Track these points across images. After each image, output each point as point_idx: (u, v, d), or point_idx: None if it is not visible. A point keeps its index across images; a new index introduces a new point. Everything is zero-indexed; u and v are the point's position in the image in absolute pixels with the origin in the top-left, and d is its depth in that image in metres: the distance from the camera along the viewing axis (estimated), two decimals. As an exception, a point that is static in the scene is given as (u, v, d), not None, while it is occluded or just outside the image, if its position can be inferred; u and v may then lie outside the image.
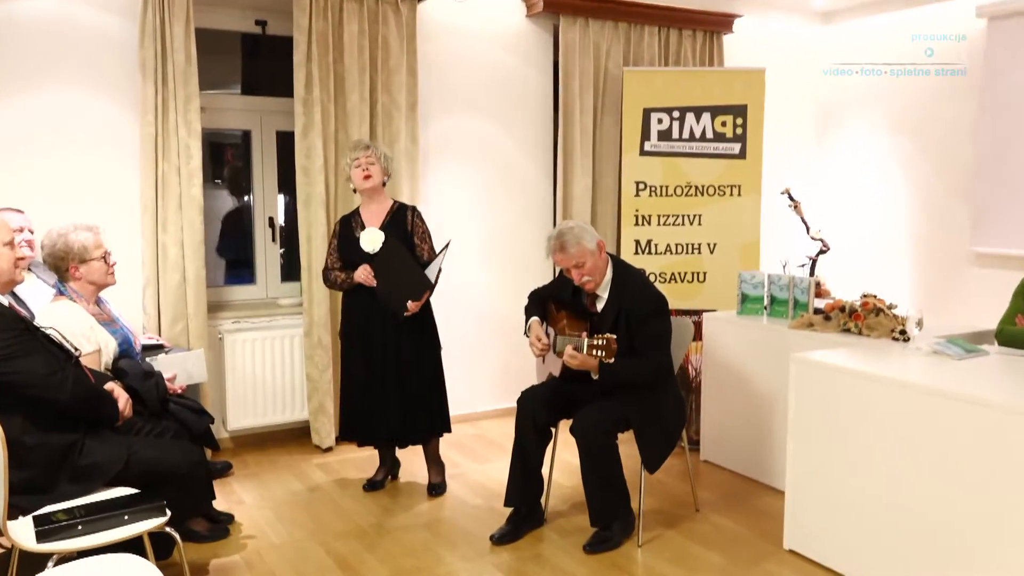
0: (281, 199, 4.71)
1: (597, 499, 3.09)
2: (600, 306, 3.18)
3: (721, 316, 4.13)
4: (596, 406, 3.08)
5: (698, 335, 4.18)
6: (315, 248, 4.28)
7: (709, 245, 4.85)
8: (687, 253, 4.85)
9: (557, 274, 3.44)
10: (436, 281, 3.48)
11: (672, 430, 3.17)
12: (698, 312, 4.53)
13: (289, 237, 4.70)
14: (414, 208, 3.67)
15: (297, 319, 4.42)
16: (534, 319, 3.31)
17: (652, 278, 4.78)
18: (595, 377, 3.03)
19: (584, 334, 3.01)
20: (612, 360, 2.91)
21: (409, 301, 3.44)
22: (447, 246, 3.54)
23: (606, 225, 5.05)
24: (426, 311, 3.58)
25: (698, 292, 4.84)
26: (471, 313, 4.90)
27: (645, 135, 4.81)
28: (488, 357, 4.98)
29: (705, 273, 4.85)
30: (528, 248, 5.12)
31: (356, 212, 3.63)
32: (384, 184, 3.58)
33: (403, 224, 3.59)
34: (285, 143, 4.53)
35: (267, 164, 4.61)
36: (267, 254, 4.64)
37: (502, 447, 4.41)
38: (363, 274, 3.46)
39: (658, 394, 3.13)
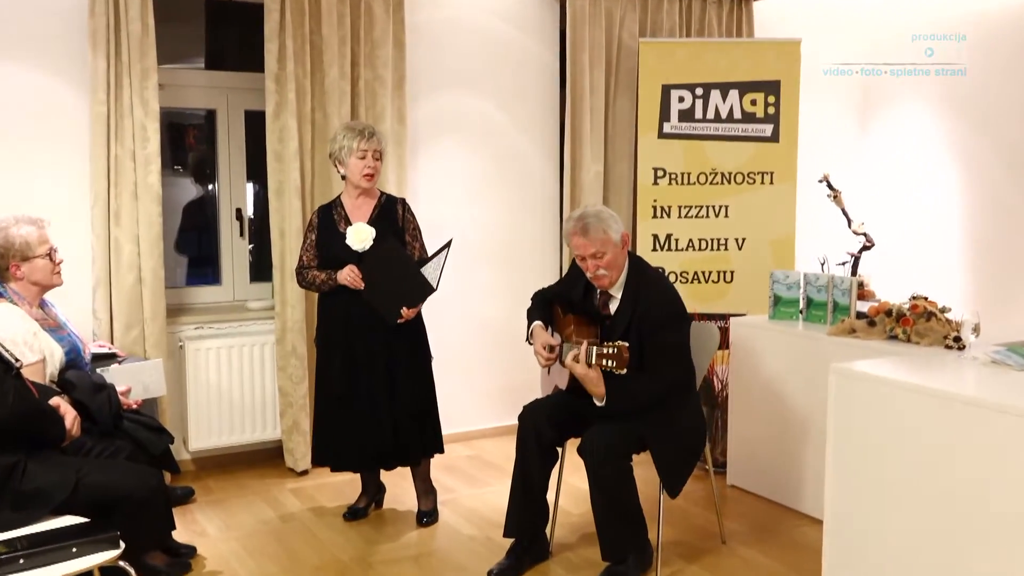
0: (250, 188, 4.72)
1: (609, 529, 3.09)
2: (613, 307, 3.19)
3: (750, 321, 4.15)
4: (608, 424, 3.09)
5: (724, 343, 4.17)
6: (289, 244, 4.28)
7: (737, 240, 4.87)
8: (712, 249, 4.86)
9: (566, 271, 3.45)
10: (438, 285, 3.49)
11: (691, 449, 3.20)
12: (724, 317, 4.54)
13: (259, 231, 4.71)
14: (403, 201, 3.67)
15: (268, 324, 4.43)
16: (537, 324, 3.31)
17: (672, 278, 4.79)
18: (599, 404, 3.02)
19: (594, 340, 3.01)
20: (624, 371, 2.90)
21: (404, 307, 3.45)
22: (449, 245, 3.54)
23: (620, 218, 5.00)
24: (417, 316, 3.59)
25: (724, 294, 4.85)
26: (466, 318, 4.91)
27: (664, 115, 4.81)
28: (485, 368, 4.99)
29: (732, 272, 4.87)
30: (531, 244, 5.13)
31: (338, 203, 3.62)
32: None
33: (393, 219, 3.59)
34: (255, 124, 4.53)
35: (234, 148, 4.62)
36: (234, 251, 4.66)
37: (501, 470, 4.41)
38: (349, 276, 3.45)
39: (675, 409, 3.14)
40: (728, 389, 4.25)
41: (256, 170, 4.60)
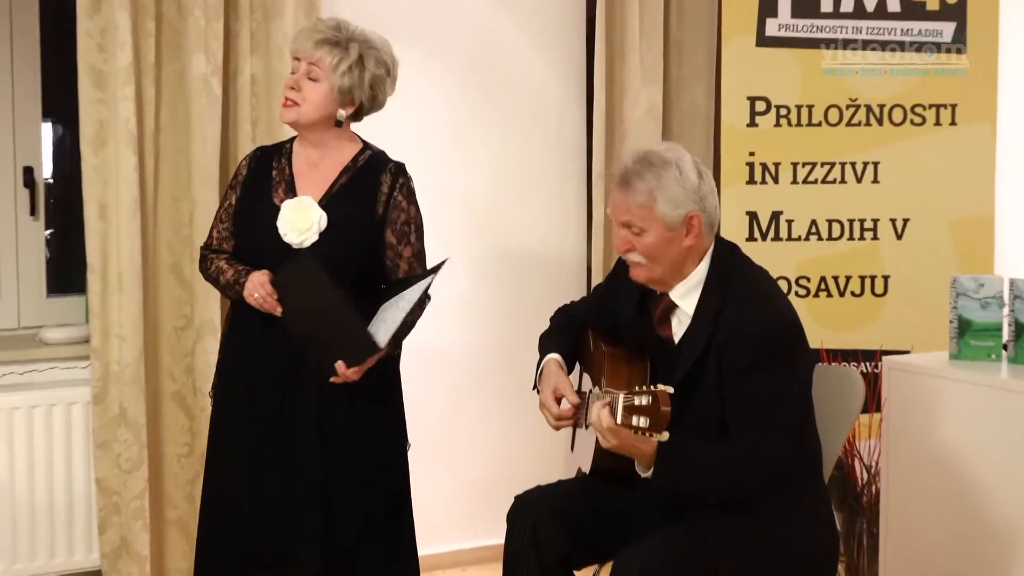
0: (48, 132, 4.80)
1: None
2: (679, 330, 3.20)
3: (918, 363, 4.10)
4: (658, 538, 3.08)
5: (873, 401, 4.15)
6: (116, 228, 4.28)
7: (894, 223, 4.85)
8: (850, 238, 4.87)
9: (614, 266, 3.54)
10: (393, 343, 3.42)
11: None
12: (872, 355, 4.52)
13: (64, 207, 4.78)
14: (399, 168, 3.59)
15: (79, 370, 4.43)
16: (551, 358, 3.37)
17: (783, 288, 4.69)
18: (644, 475, 3.03)
19: (639, 388, 2.96)
20: (664, 435, 2.84)
21: (341, 361, 3.40)
22: (437, 270, 3.45)
23: (710, 182, 5.00)
24: (386, 366, 3.56)
25: (873, 316, 4.85)
26: (432, 361, 4.84)
27: (767, 8, 4.82)
28: (465, 447, 4.99)
29: (887, 279, 4.87)
30: (540, 231, 5.13)
31: (288, 150, 3.64)
32: (341, 119, 3.53)
33: (369, 199, 3.52)
34: (57, 22, 4.56)
35: (21, 64, 4.65)
36: (20, 241, 4.68)
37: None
38: (259, 293, 3.40)
39: (772, 515, 3.12)
40: (880, 480, 4.21)
41: (58, 103, 4.65)
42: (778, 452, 3.02)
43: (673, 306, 3.18)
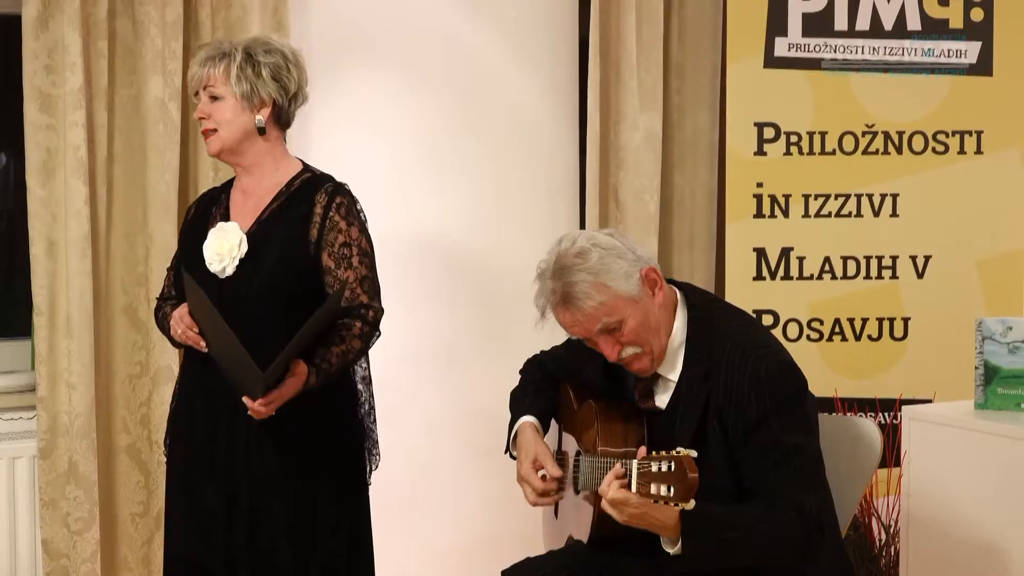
0: None
1: None
2: (664, 397, 3.19)
3: (942, 413, 4.10)
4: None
5: (891, 455, 4.19)
6: (65, 266, 4.31)
7: (915, 261, 4.89)
8: (867, 277, 4.90)
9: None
10: (276, 374, 3.34)
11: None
12: (890, 404, 4.60)
13: (7, 242, 4.92)
14: (338, 187, 3.58)
15: (24, 421, 4.44)
16: (526, 422, 3.35)
17: (794, 332, 4.88)
18: (671, 551, 2.97)
19: (641, 451, 2.95)
20: (691, 504, 2.80)
21: (246, 395, 3.40)
22: (332, 305, 3.41)
23: (693, 216, 5.17)
24: (332, 407, 3.54)
25: (892, 361, 4.88)
26: (402, 411, 4.76)
27: (775, 26, 4.86)
28: (437, 508, 4.92)
29: (907, 321, 4.89)
30: (529, 268, 4.97)
31: (229, 185, 3.70)
32: (260, 124, 3.52)
33: (302, 220, 3.53)
34: (2, 39, 4.62)
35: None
36: (-40, 280, 4.74)
37: None
38: (180, 327, 3.47)
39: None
40: (900, 541, 4.20)
41: (3, 129, 4.72)
42: (815, 502, 3.01)
43: (657, 377, 3.19)
